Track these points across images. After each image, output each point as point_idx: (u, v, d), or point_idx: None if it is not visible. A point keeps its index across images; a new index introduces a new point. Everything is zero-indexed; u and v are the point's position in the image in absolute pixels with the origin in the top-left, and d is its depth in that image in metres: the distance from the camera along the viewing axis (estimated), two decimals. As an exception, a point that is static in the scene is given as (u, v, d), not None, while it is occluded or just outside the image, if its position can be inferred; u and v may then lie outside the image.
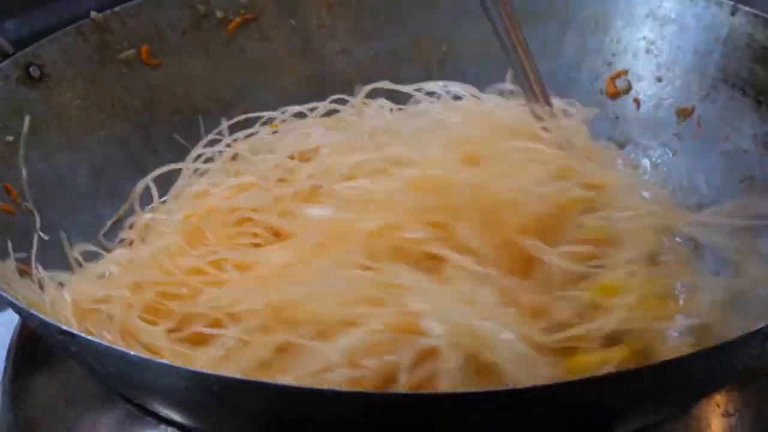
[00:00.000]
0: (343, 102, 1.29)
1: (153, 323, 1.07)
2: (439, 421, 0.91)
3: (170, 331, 1.06)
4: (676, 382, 0.93)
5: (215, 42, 1.28)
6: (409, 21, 1.32)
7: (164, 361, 0.96)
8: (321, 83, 1.30)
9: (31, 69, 1.19)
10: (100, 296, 1.08)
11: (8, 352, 1.12)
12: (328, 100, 1.28)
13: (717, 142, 1.22)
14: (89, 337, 0.92)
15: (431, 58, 1.31)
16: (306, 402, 0.89)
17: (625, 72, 1.27)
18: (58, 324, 0.93)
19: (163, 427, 1.01)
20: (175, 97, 1.27)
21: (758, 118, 1.20)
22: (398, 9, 1.31)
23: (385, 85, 1.27)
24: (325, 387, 0.96)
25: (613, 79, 1.27)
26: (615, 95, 1.27)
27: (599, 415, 0.95)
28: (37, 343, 1.10)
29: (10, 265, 1.07)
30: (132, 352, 0.91)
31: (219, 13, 1.29)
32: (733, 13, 1.22)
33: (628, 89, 1.27)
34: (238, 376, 0.96)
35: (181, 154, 1.24)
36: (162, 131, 1.26)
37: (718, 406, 1.01)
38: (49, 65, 1.19)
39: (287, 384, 0.96)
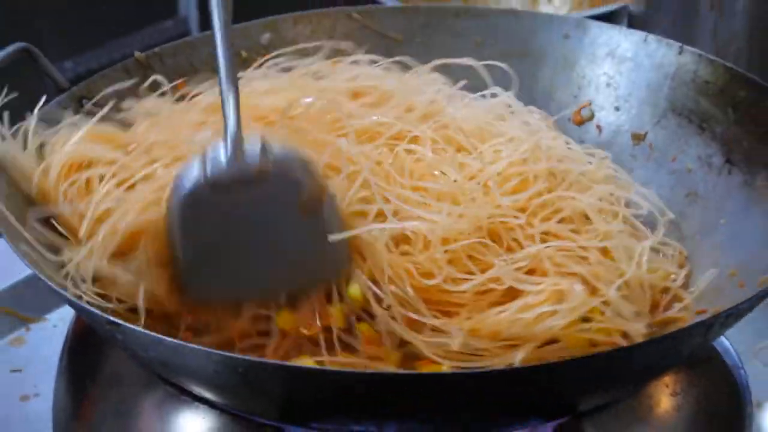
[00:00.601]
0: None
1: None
2: (427, 396, 0.93)
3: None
4: (632, 365, 0.95)
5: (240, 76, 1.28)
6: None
7: (196, 345, 0.95)
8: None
9: (83, 101, 1.20)
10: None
11: (65, 341, 1.13)
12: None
13: (666, 162, 1.24)
14: (132, 327, 0.93)
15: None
16: (313, 380, 0.91)
17: (589, 103, 1.28)
18: (105, 315, 0.95)
19: (196, 404, 1.02)
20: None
21: (702, 142, 1.21)
22: (400, 51, 1.32)
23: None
24: (329, 368, 0.98)
25: (579, 109, 1.28)
26: (580, 123, 1.28)
27: (567, 393, 0.97)
28: (89, 334, 1.11)
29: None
30: (169, 339, 0.92)
31: (243, 53, 1.30)
32: (680, 53, 1.24)
33: (591, 117, 1.28)
34: (261, 359, 0.98)
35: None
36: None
37: (667, 386, 1.02)
38: (100, 98, 1.20)
39: (299, 366, 0.97)
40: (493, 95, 1.25)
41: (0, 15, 2.11)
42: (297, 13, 1.30)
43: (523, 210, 1.07)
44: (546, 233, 1.06)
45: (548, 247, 1.04)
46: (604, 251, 1.06)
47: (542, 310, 0.99)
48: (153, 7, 1.63)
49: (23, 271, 1.31)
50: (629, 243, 1.08)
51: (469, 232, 1.03)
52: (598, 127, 1.29)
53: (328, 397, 0.94)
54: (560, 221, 1.08)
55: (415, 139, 1.13)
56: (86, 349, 1.11)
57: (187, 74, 1.27)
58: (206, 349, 0.93)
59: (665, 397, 1.03)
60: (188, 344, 0.95)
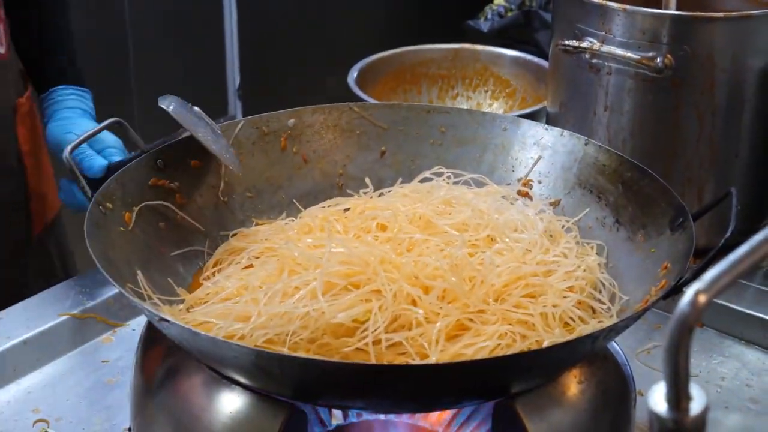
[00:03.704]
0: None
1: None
2: (400, 383, 0.92)
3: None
4: (546, 360, 0.95)
5: (272, 149, 1.26)
6: (394, 141, 1.30)
7: (218, 337, 0.94)
8: (335, 177, 1.29)
9: (158, 161, 1.17)
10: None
11: (139, 340, 1.10)
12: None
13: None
14: (177, 321, 0.92)
15: (406, 165, 1.30)
16: (307, 367, 0.90)
17: (529, 180, 1.25)
18: (158, 313, 0.95)
19: (232, 386, 0.98)
20: (246, 182, 1.25)
21: (599, 208, 1.19)
22: (386, 135, 1.30)
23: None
24: (320, 358, 0.96)
25: (522, 185, 1.26)
26: (524, 195, 1.25)
27: (503, 379, 0.95)
28: (156, 336, 1.07)
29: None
30: (202, 333, 0.91)
31: (265, 129, 1.27)
32: (586, 144, 1.22)
33: (530, 189, 1.25)
34: (265, 350, 0.95)
35: (249, 215, 1.24)
36: (237, 203, 1.23)
37: (575, 376, 1.00)
38: (169, 160, 1.18)
39: (291, 354, 0.95)
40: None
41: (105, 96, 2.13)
42: (315, 106, 1.29)
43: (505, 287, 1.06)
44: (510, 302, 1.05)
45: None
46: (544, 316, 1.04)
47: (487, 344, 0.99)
48: (211, 108, 1.61)
49: (112, 290, 1.34)
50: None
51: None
52: (530, 195, 1.25)
53: (318, 380, 0.92)
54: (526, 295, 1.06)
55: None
56: (154, 346, 1.07)
57: (234, 146, 1.24)
58: (226, 340, 0.93)
59: (574, 384, 1.00)
60: (215, 337, 0.94)
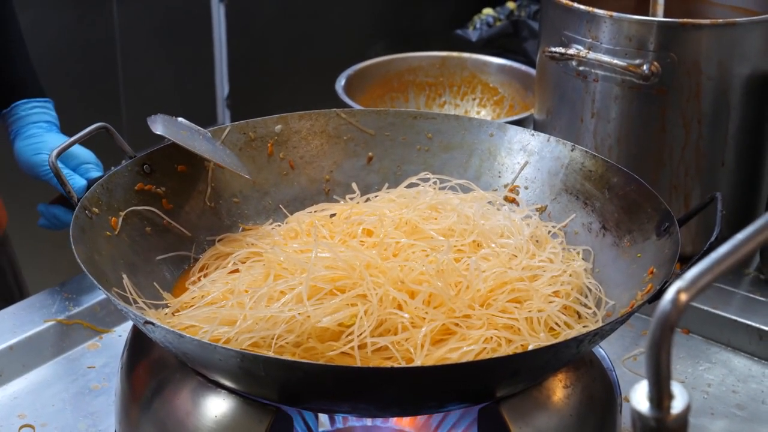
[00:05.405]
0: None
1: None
2: (385, 386, 0.92)
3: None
4: (531, 363, 0.96)
5: (259, 155, 1.26)
6: (381, 147, 1.30)
7: (204, 340, 0.94)
8: (322, 182, 1.29)
9: (145, 166, 1.17)
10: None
11: (125, 346, 1.10)
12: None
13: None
14: (162, 324, 0.92)
15: (393, 171, 1.30)
16: (292, 370, 0.90)
17: (515, 186, 1.26)
18: (143, 316, 0.95)
19: (218, 390, 0.98)
20: (233, 187, 1.25)
21: (585, 213, 1.19)
22: (373, 141, 1.31)
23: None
24: (305, 360, 0.96)
25: (509, 191, 1.26)
26: (511, 200, 1.25)
27: (488, 383, 0.95)
28: (142, 342, 1.07)
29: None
30: (188, 336, 0.91)
31: (252, 134, 1.27)
32: (572, 150, 1.22)
33: (516, 196, 1.26)
34: (246, 351, 0.95)
35: (235, 220, 1.24)
36: (224, 208, 1.24)
37: (561, 381, 1.00)
38: (156, 165, 1.19)
39: (276, 356, 0.95)
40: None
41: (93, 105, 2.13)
42: (301, 112, 1.29)
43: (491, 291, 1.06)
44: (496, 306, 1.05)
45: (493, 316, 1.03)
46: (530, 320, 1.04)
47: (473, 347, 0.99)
48: (200, 117, 1.62)
49: (98, 296, 1.34)
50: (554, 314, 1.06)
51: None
52: (516, 201, 1.25)
53: (303, 382, 0.92)
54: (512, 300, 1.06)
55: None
56: (139, 352, 1.07)
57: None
58: (211, 343, 0.93)
59: (559, 388, 1.00)
60: (200, 339, 0.94)
